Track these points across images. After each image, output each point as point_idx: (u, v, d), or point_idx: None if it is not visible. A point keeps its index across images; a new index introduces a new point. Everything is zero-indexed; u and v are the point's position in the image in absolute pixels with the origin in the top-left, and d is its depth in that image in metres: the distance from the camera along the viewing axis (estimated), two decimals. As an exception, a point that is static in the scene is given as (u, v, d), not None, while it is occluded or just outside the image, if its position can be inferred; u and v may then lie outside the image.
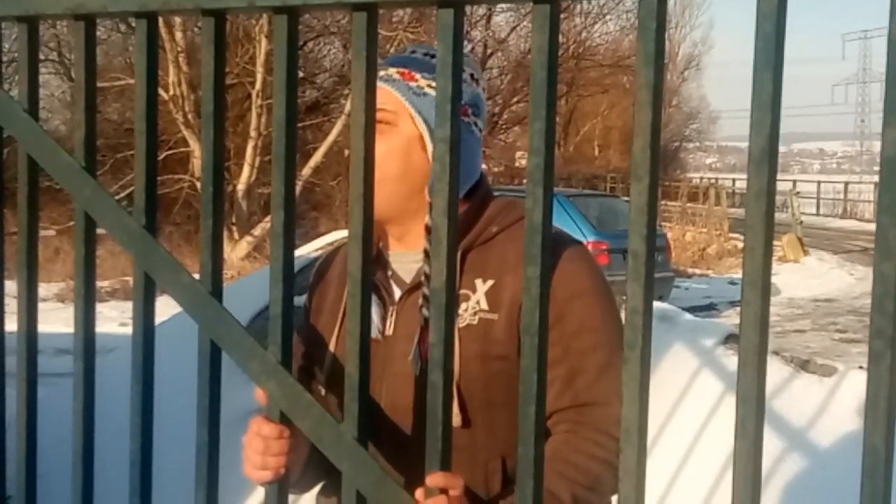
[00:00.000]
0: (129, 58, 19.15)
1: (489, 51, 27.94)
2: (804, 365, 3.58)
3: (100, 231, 1.45)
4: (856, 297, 13.72)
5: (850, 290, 14.74)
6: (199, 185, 1.49)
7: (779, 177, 0.99)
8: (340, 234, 6.63)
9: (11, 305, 1.49)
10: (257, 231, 16.83)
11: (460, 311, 1.48)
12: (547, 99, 1.09)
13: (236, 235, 16.88)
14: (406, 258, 1.58)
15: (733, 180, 40.38)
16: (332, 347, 1.58)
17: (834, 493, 2.82)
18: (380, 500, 1.25)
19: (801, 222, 20.84)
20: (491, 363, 1.48)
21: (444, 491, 1.23)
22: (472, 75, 1.58)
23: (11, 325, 1.48)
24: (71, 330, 1.49)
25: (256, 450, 1.37)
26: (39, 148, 1.48)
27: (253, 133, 17.06)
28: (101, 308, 9.99)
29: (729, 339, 3.71)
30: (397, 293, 1.57)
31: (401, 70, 1.56)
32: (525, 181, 1.11)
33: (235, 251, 16.38)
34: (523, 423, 1.12)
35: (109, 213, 1.43)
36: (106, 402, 1.73)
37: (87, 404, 1.48)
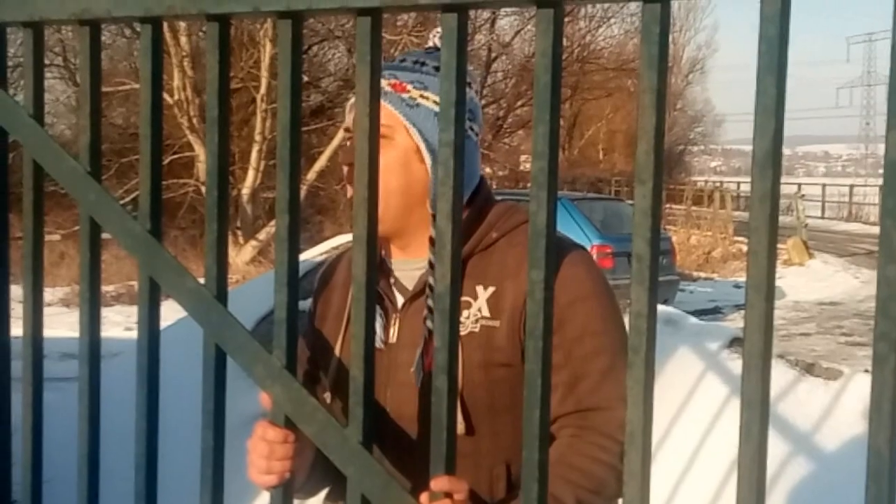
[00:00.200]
0: (134, 62, 19.22)
1: (493, 54, 27.96)
2: (809, 368, 3.57)
3: (105, 236, 1.45)
4: (861, 301, 13.70)
5: (856, 294, 14.72)
6: (203, 189, 1.49)
7: (783, 180, 0.99)
8: (345, 238, 6.64)
9: (17, 310, 1.49)
10: (262, 235, 16.86)
11: (462, 319, 1.47)
12: (550, 103, 1.09)
13: (241, 240, 16.90)
14: (409, 266, 1.58)
15: (738, 183, 40.33)
16: (337, 353, 1.58)
17: (839, 496, 2.82)
18: (384, 504, 1.25)
19: (806, 225, 20.83)
20: (494, 370, 1.47)
21: (448, 495, 1.23)
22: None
23: (17, 329, 1.49)
24: (76, 334, 1.49)
25: (261, 454, 1.37)
26: (44, 153, 1.49)
27: (258, 137, 17.10)
28: (106, 312, 9.99)
29: (734, 342, 3.71)
30: (400, 301, 1.57)
31: (392, 81, 1.55)
32: (529, 185, 1.12)
33: (240, 255, 16.40)
34: (527, 427, 1.12)
35: (114, 217, 1.43)
36: (111, 406, 1.73)
37: (93, 408, 1.48)
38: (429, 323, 1.47)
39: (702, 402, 3.46)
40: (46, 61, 1.60)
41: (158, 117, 1.41)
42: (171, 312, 2.37)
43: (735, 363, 3.54)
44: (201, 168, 16.29)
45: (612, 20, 32.02)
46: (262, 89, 16.80)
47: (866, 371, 3.51)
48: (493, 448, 1.49)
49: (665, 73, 1.02)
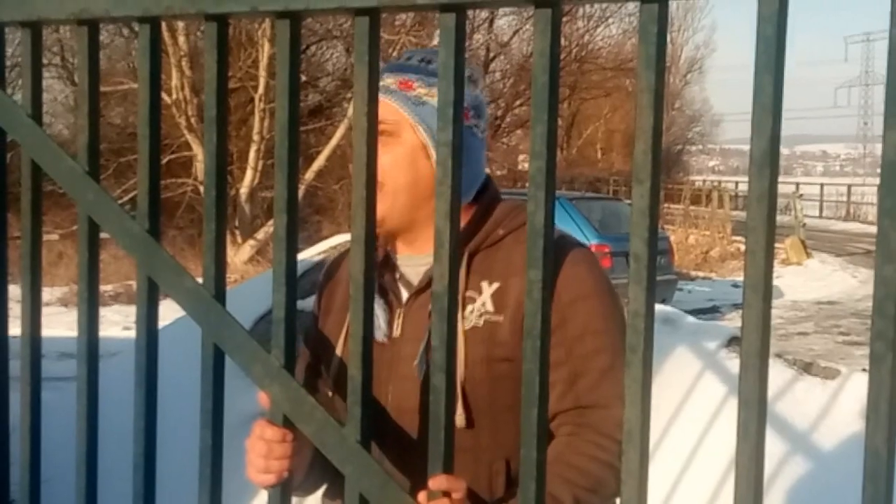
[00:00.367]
0: (132, 62, 19.20)
1: (492, 54, 27.98)
2: (807, 367, 3.57)
3: (103, 235, 1.46)
4: (859, 300, 13.70)
5: (853, 293, 14.73)
6: (201, 188, 1.48)
7: (782, 179, 0.99)
8: (343, 238, 6.63)
9: (15, 310, 1.49)
10: (260, 235, 16.84)
11: (466, 314, 1.49)
12: (549, 102, 1.09)
13: (239, 239, 16.88)
14: (414, 262, 1.59)
15: (736, 183, 40.32)
16: (338, 349, 1.58)
17: (836, 495, 2.82)
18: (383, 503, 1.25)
19: (804, 225, 20.83)
20: (496, 365, 1.48)
21: (446, 494, 1.23)
22: (470, 77, 1.58)
23: (15, 329, 1.49)
24: (74, 334, 1.49)
25: (259, 453, 1.37)
26: (43, 152, 1.49)
27: (256, 137, 17.07)
28: (104, 312, 9.97)
29: (732, 341, 3.71)
30: (405, 295, 1.58)
31: (398, 80, 1.56)
32: (527, 184, 1.12)
33: (238, 255, 16.38)
34: (526, 426, 1.12)
35: (113, 217, 1.43)
36: (109, 405, 1.73)
37: (91, 408, 1.48)
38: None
39: (700, 401, 3.46)
40: (45, 61, 1.60)
41: (157, 117, 1.41)
42: (169, 312, 2.37)
43: (733, 362, 3.54)
44: (199, 168, 16.28)
45: (611, 20, 32.08)
46: (261, 89, 16.78)
47: (864, 370, 3.51)
48: (492, 443, 1.50)
49: (663, 72, 1.02)
